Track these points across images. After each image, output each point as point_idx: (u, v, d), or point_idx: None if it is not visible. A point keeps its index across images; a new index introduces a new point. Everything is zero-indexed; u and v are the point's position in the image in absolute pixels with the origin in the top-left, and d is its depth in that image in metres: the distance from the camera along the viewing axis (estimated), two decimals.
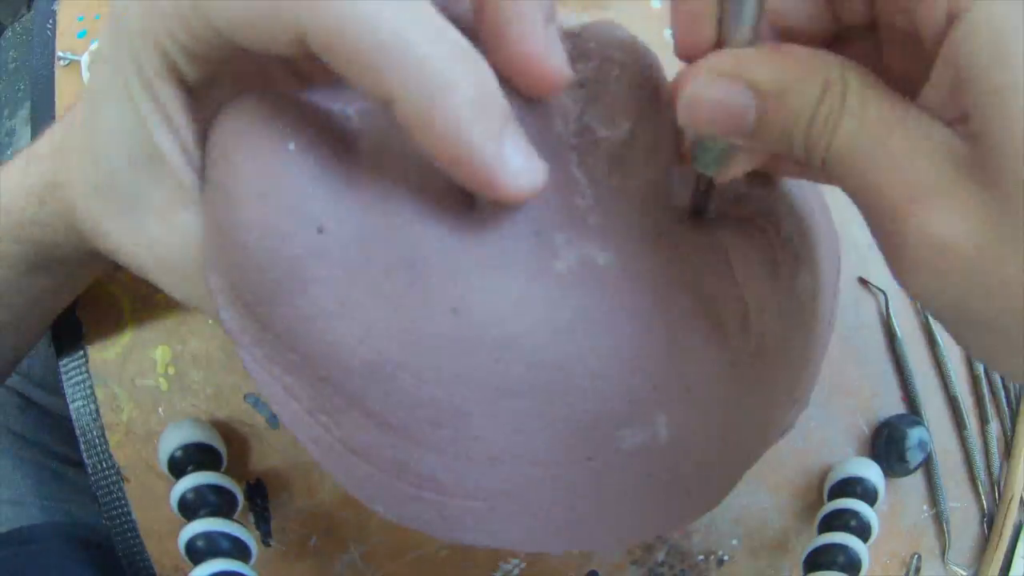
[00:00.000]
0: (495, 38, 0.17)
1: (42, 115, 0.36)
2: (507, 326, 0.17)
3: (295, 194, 0.16)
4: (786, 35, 0.20)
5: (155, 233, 0.19)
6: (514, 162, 0.17)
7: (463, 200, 0.18)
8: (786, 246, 0.21)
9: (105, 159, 0.20)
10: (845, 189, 0.18)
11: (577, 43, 0.19)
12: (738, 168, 0.20)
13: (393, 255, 0.17)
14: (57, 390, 0.42)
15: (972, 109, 0.15)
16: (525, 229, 0.18)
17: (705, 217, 0.22)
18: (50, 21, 0.36)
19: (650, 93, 0.20)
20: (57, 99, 0.36)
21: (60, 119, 0.26)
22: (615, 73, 0.19)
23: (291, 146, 0.16)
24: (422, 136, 0.16)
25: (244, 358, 0.18)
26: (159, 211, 0.19)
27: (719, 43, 0.18)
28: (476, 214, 0.18)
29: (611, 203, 0.20)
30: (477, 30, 0.17)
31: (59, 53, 0.36)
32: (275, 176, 0.16)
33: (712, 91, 0.17)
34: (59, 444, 0.43)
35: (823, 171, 0.17)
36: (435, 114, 0.16)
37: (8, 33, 0.61)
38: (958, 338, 0.18)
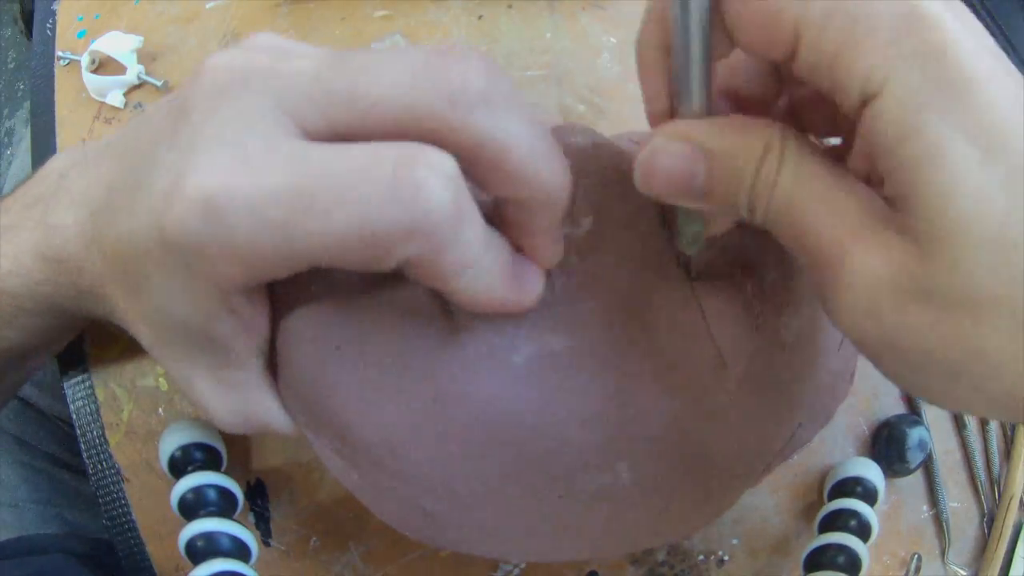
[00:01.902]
0: (510, 226, 0.21)
1: (42, 115, 0.36)
2: (472, 408, 0.22)
3: (325, 329, 0.22)
4: (742, 103, 0.22)
5: (201, 388, 0.23)
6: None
7: (443, 315, 0.23)
8: (766, 296, 0.24)
9: (159, 319, 0.22)
10: (785, 241, 0.19)
11: None
12: (716, 228, 0.22)
13: (388, 362, 0.22)
14: (56, 393, 0.42)
15: (887, 177, 0.17)
16: (488, 331, 0.23)
17: (691, 277, 0.24)
18: (50, 21, 0.36)
19: (610, 185, 0.23)
20: (57, 99, 0.36)
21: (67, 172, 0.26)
22: None
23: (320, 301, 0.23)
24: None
25: (306, 432, 0.24)
26: (208, 370, 0.23)
27: (673, 116, 0.20)
28: (452, 323, 0.23)
29: (581, 288, 0.24)
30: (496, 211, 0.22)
31: (59, 53, 0.36)
32: (310, 325, 0.23)
33: (665, 154, 0.19)
34: (57, 448, 0.43)
35: (766, 226, 0.19)
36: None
37: (8, 33, 0.61)
38: (893, 377, 0.19)
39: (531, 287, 0.22)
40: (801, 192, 0.18)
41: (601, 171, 0.23)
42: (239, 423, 0.24)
